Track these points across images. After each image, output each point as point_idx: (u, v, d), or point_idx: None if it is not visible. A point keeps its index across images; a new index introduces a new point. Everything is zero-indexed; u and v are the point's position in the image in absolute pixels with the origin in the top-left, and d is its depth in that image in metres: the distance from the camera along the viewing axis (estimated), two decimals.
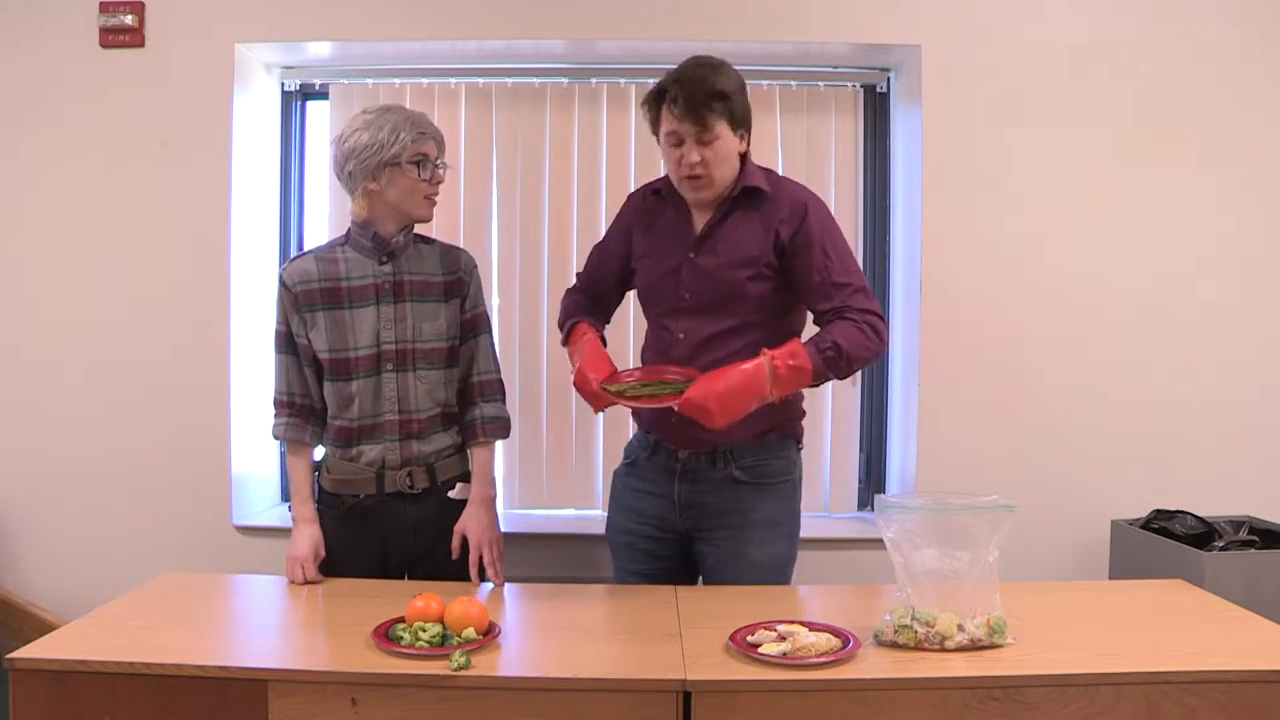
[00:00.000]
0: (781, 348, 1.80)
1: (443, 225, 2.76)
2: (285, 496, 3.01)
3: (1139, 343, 2.70)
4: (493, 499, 2.05)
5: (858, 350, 1.82)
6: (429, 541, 2.01)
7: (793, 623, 1.56)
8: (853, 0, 2.69)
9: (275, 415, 2.05)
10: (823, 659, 1.47)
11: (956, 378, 2.70)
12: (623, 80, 2.87)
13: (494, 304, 2.84)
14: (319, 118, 3.02)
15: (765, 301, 1.92)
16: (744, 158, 1.94)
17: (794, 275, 1.90)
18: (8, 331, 2.80)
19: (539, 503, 2.94)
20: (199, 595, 1.87)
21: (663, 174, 2.04)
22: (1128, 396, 2.70)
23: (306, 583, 1.93)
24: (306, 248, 2.54)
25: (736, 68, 1.92)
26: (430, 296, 2.01)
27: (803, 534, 2.11)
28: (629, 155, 2.88)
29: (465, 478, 2.06)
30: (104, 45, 2.72)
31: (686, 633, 1.62)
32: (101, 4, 2.70)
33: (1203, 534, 2.44)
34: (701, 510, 1.98)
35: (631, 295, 2.18)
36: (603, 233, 2.83)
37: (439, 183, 2.01)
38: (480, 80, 2.88)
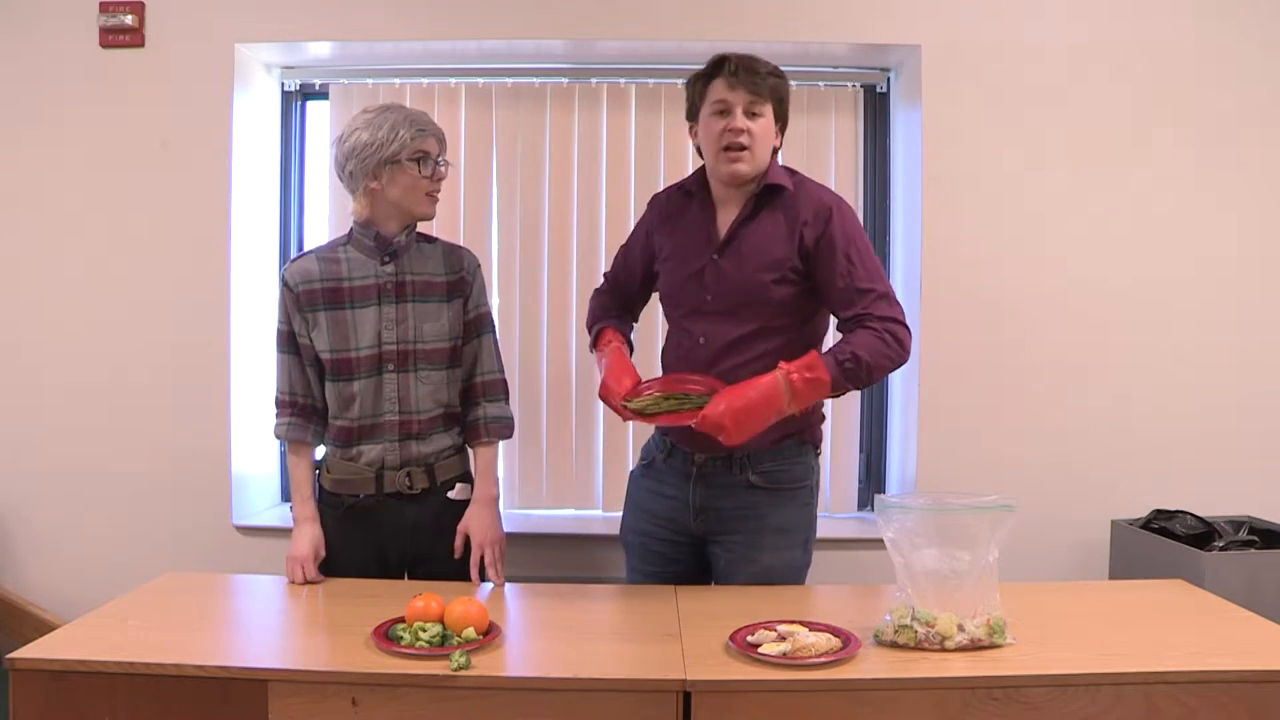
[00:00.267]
0: (797, 360, 1.77)
1: (443, 225, 2.76)
2: (285, 496, 3.01)
3: (1139, 343, 2.70)
4: (496, 499, 2.05)
5: (878, 360, 1.80)
6: (428, 542, 2.01)
7: (793, 623, 1.56)
8: (853, 0, 2.69)
9: (277, 415, 2.05)
10: (823, 659, 1.46)
11: (956, 378, 2.70)
12: (623, 80, 2.87)
13: (494, 304, 2.83)
14: (319, 118, 3.02)
15: (789, 306, 1.90)
16: (773, 154, 1.94)
17: (817, 280, 1.88)
18: (8, 331, 2.80)
19: (539, 503, 2.94)
20: (199, 595, 1.87)
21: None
22: (1128, 396, 2.71)
23: (306, 583, 1.93)
24: (307, 248, 2.54)
25: None
26: (432, 296, 2.01)
27: None
28: (629, 155, 2.88)
29: (465, 478, 2.06)
30: (104, 45, 2.72)
31: (686, 633, 1.62)
32: (101, 4, 2.71)
33: (1203, 534, 2.44)
34: (717, 515, 1.96)
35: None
36: (603, 232, 2.87)
37: (441, 179, 2.01)
38: (480, 80, 2.88)
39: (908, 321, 1.86)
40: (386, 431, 1.99)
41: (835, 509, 2.92)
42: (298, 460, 2.05)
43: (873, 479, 2.99)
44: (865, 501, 2.95)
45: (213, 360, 2.75)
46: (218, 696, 1.46)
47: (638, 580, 2.07)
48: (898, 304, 1.87)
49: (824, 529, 2.77)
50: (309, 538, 1.98)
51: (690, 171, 2.15)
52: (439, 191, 2.02)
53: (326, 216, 2.91)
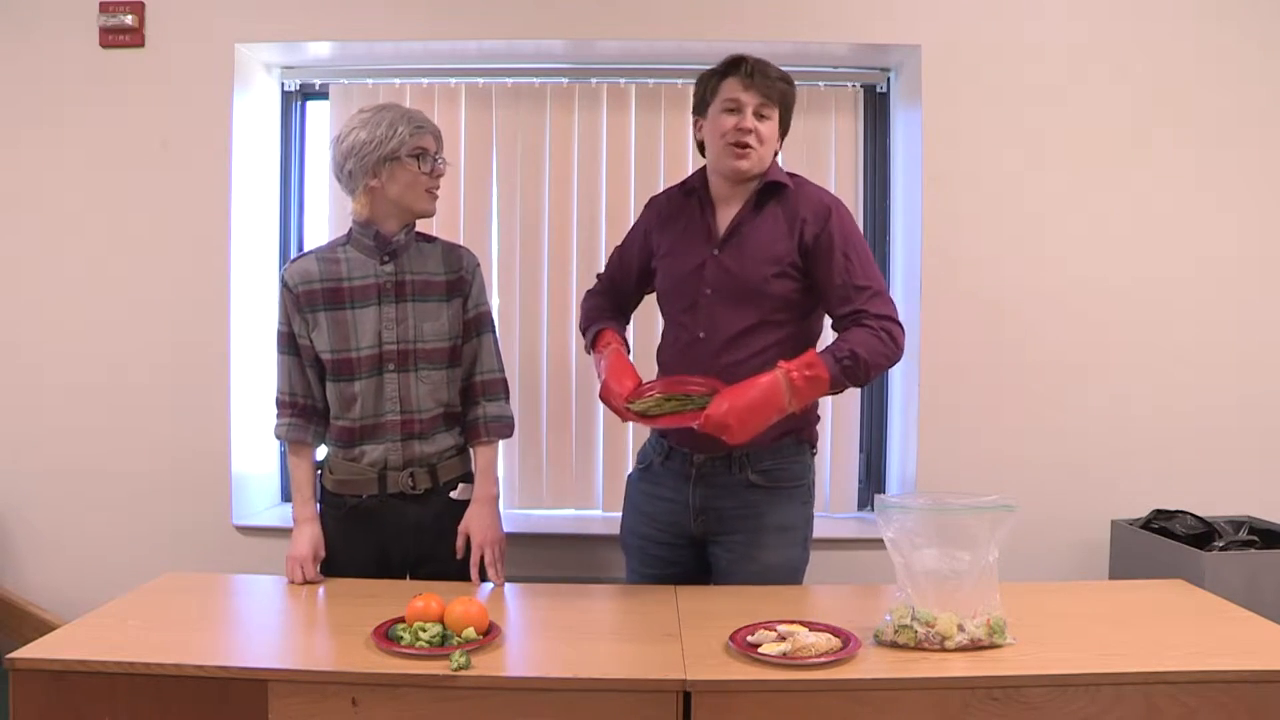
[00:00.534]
0: (797, 359, 1.79)
1: (443, 225, 2.76)
2: (285, 496, 3.01)
3: (1139, 342, 2.71)
4: (496, 498, 2.05)
5: (875, 358, 1.82)
6: (430, 542, 2.01)
7: (793, 623, 1.56)
8: (853, 0, 2.69)
9: (277, 415, 2.05)
10: (823, 659, 1.46)
11: (956, 378, 2.70)
12: (623, 80, 2.87)
13: (494, 304, 2.83)
14: (319, 118, 3.02)
15: (788, 301, 1.91)
16: (774, 156, 1.99)
17: (815, 277, 1.91)
18: (8, 331, 2.80)
19: (539, 503, 2.94)
20: (199, 595, 1.87)
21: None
22: (1128, 396, 2.71)
23: (306, 583, 1.93)
24: (306, 248, 2.54)
25: None
26: (432, 296, 2.01)
27: None
28: (629, 155, 2.88)
29: (467, 478, 2.06)
30: (104, 45, 2.72)
31: (686, 633, 1.62)
32: (101, 4, 2.71)
33: (1203, 534, 2.44)
34: (717, 515, 1.97)
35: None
36: (603, 232, 2.87)
37: (439, 176, 2.01)
38: (480, 80, 2.88)
39: (902, 321, 1.88)
40: (388, 431, 1.99)
41: (835, 509, 2.92)
42: (298, 461, 2.05)
43: (873, 479, 2.99)
44: (865, 501, 2.95)
45: (213, 360, 2.75)
46: (218, 696, 1.46)
47: (638, 581, 2.07)
48: (892, 302, 1.91)
49: (824, 529, 2.77)
50: (309, 538, 1.98)
51: (689, 171, 2.17)
52: (438, 188, 2.02)
53: (326, 216, 2.91)
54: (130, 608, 1.74)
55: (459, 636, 1.54)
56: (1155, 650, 1.54)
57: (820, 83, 2.87)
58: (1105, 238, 2.69)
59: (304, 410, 2.03)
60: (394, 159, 1.93)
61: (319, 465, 2.08)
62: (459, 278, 2.04)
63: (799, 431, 1.99)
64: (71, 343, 2.78)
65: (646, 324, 2.45)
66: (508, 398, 2.11)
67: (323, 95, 2.97)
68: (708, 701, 1.43)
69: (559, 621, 1.74)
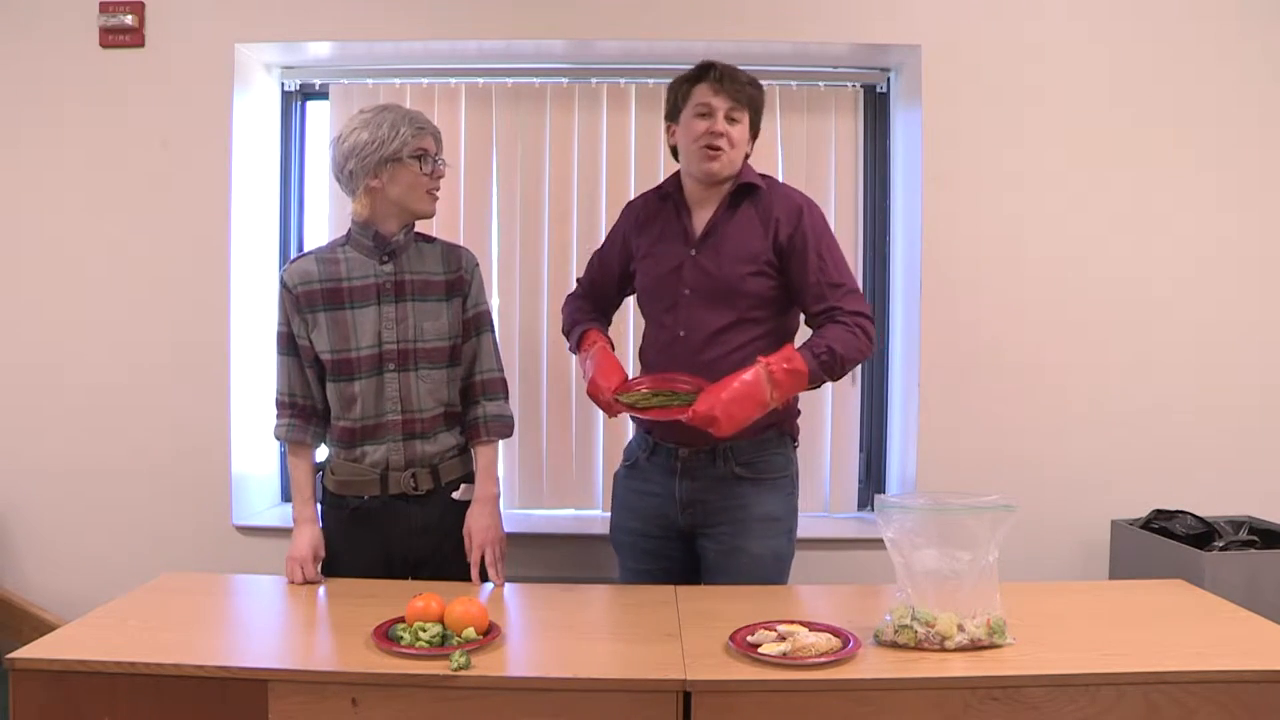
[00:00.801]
0: (776, 354, 1.86)
1: (443, 225, 2.76)
2: (285, 496, 3.01)
3: (1139, 342, 2.70)
4: (496, 498, 2.05)
5: (850, 353, 1.90)
6: (433, 544, 2.01)
7: (793, 623, 1.56)
8: (853, 0, 2.69)
9: (277, 416, 2.05)
10: (823, 659, 1.47)
11: (956, 378, 2.70)
12: (623, 80, 2.87)
13: (494, 304, 2.84)
14: (319, 118, 3.02)
15: (764, 298, 1.97)
16: (745, 159, 2.05)
17: (790, 276, 1.97)
18: (8, 331, 2.80)
19: (539, 503, 2.94)
20: (199, 595, 1.86)
21: (662, 180, 2.11)
22: (1128, 396, 2.71)
23: (306, 583, 1.93)
24: (306, 248, 2.54)
25: (737, 67, 2.02)
26: (431, 295, 2.01)
27: (803, 534, 2.13)
28: (629, 155, 2.88)
29: (469, 479, 2.06)
30: (104, 45, 2.72)
31: (686, 633, 1.62)
32: (101, 4, 2.70)
33: (1203, 534, 2.44)
34: (703, 507, 2.01)
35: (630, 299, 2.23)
36: (603, 232, 2.86)
37: (440, 177, 2.02)
38: (480, 80, 2.88)
39: (872, 316, 1.96)
40: (390, 431, 1.99)
41: (835, 509, 2.92)
42: (298, 461, 2.05)
43: (873, 479, 2.99)
44: (865, 501, 2.95)
45: (213, 360, 2.75)
46: (218, 696, 1.46)
47: (630, 578, 2.10)
48: (864, 299, 1.99)
49: (824, 529, 2.79)
50: (308, 538, 1.98)
51: None
52: (439, 190, 2.03)
53: (326, 216, 2.90)
54: (130, 608, 1.74)
55: (459, 636, 1.54)
56: (1155, 650, 1.54)
57: (820, 83, 2.87)
58: (1105, 237, 2.69)
59: (304, 411, 2.03)
60: (395, 160, 1.93)
61: (320, 466, 2.08)
62: (458, 277, 2.05)
63: (780, 424, 2.04)
64: (71, 343, 2.78)
65: (630, 325, 2.48)
66: (507, 397, 2.12)
67: (323, 95, 2.96)
68: (708, 701, 1.43)
69: (559, 621, 1.74)
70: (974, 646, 1.53)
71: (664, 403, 1.88)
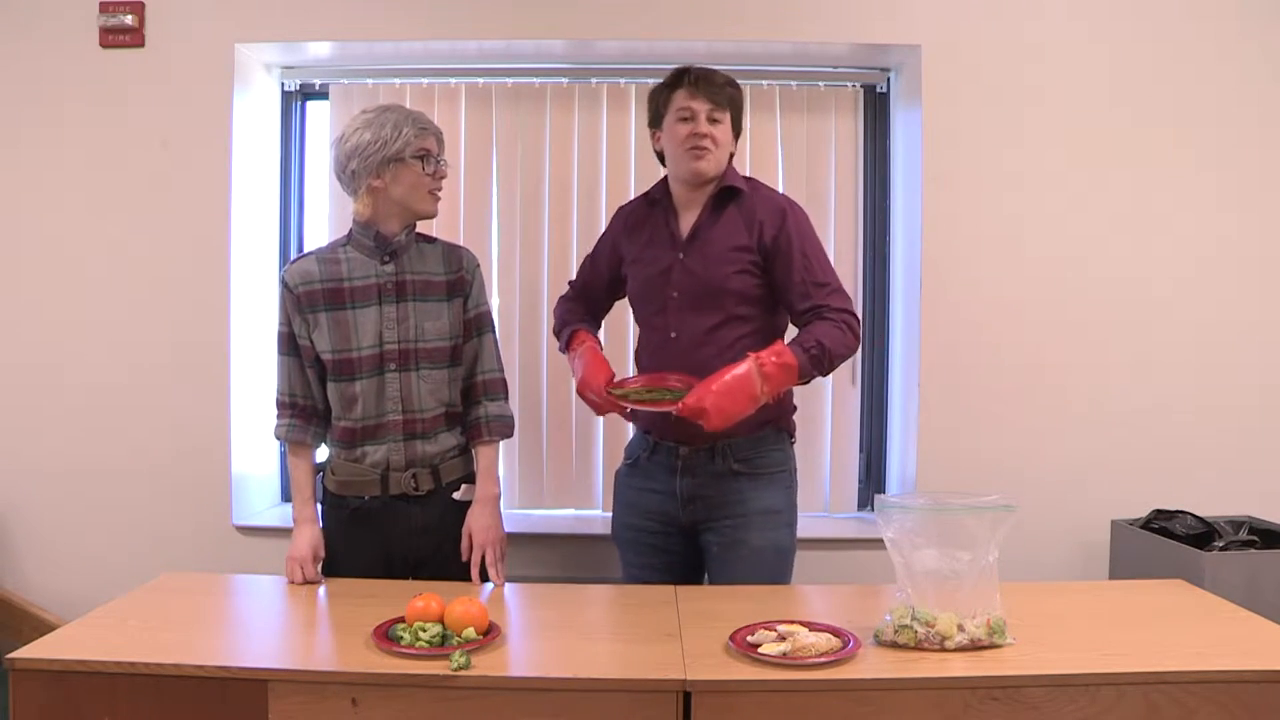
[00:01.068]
0: (767, 349, 1.89)
1: (443, 225, 2.76)
2: (285, 496, 3.01)
3: (1139, 342, 2.70)
4: (497, 498, 2.05)
5: (838, 348, 1.92)
6: (433, 544, 2.01)
7: (793, 623, 1.56)
8: (853, 0, 2.69)
9: (277, 416, 2.05)
10: (823, 659, 1.47)
11: (956, 378, 2.70)
12: (623, 80, 2.87)
13: (494, 304, 2.84)
14: (319, 118, 3.01)
15: (750, 297, 2.01)
16: (730, 159, 2.09)
17: (775, 275, 2.00)
18: (8, 331, 2.80)
19: (539, 503, 2.94)
20: (199, 595, 1.87)
21: (656, 182, 2.15)
22: (1128, 396, 2.70)
23: (306, 583, 1.93)
24: (306, 248, 2.54)
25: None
26: (432, 296, 2.01)
27: (803, 534, 2.14)
28: (629, 155, 2.88)
29: (470, 479, 2.06)
30: (104, 45, 2.72)
31: (686, 633, 1.62)
32: (101, 4, 2.70)
33: (1203, 534, 2.44)
34: (704, 502, 2.04)
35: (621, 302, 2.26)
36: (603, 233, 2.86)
37: (442, 178, 2.02)
38: (480, 80, 2.88)
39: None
40: (390, 431, 1.99)
41: (835, 509, 2.92)
42: (298, 461, 2.05)
43: (873, 479, 2.99)
44: (865, 501, 2.95)
45: (213, 360, 2.75)
46: (217, 696, 1.46)
47: (632, 574, 2.13)
48: (849, 298, 2.02)
49: (824, 529, 2.79)
50: (308, 538, 1.98)
51: None
52: (441, 190, 2.03)
53: (326, 216, 2.90)
54: (130, 608, 1.74)
55: (459, 636, 1.54)
56: (1155, 650, 1.54)
57: (820, 83, 2.87)
58: (1105, 237, 2.69)
59: (304, 411, 2.03)
60: (398, 160, 1.93)
61: (320, 467, 2.08)
62: (459, 277, 2.05)
63: (777, 421, 2.07)
64: (71, 343, 2.78)
65: (622, 327, 2.53)
66: (508, 397, 2.12)
67: (323, 95, 2.96)
68: (708, 701, 1.43)
69: (559, 621, 1.74)
70: (974, 646, 1.53)
71: (655, 397, 1.91)
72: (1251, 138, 2.69)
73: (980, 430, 2.71)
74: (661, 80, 2.08)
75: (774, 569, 2.03)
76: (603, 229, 2.84)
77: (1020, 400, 2.71)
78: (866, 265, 2.92)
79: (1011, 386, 2.71)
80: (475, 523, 2.00)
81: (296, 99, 3.01)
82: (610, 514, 2.23)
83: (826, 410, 2.89)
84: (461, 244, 2.16)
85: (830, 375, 2.03)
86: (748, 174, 2.17)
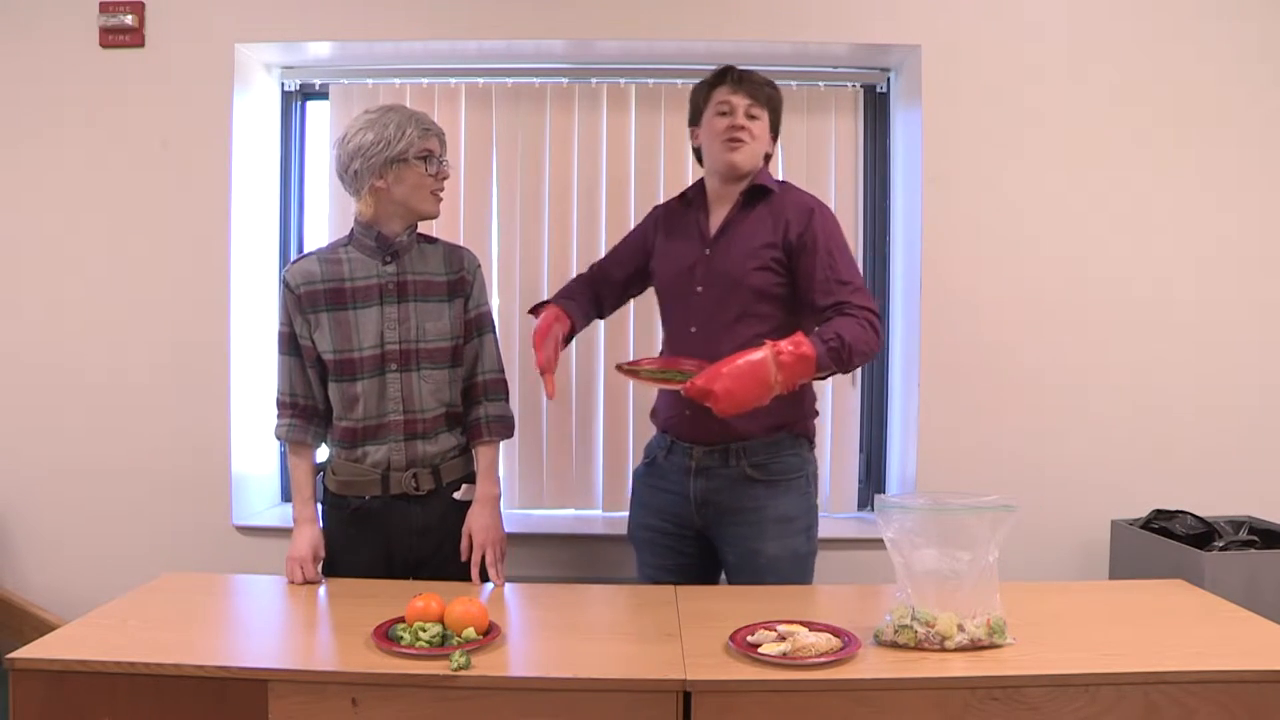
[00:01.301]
0: (785, 339, 1.82)
1: (443, 225, 2.75)
2: (285, 496, 3.01)
3: (1139, 342, 2.70)
4: (497, 498, 2.05)
5: (859, 344, 1.85)
6: (434, 544, 2.01)
7: (793, 623, 1.56)
8: (853, 0, 2.69)
9: (278, 416, 2.05)
10: (823, 659, 1.47)
11: (956, 378, 2.70)
12: (623, 80, 2.87)
13: (494, 304, 2.83)
14: (319, 118, 3.01)
15: (772, 294, 1.99)
16: (765, 161, 2.10)
17: (799, 273, 1.98)
18: (7, 332, 2.80)
19: (539, 503, 2.94)
20: (199, 595, 1.86)
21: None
22: (1128, 396, 2.70)
23: (306, 583, 1.93)
24: (306, 248, 2.54)
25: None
26: (434, 296, 2.01)
27: None
28: (629, 155, 2.88)
29: (470, 479, 2.06)
30: (104, 45, 2.72)
31: (686, 633, 1.62)
32: (101, 4, 2.71)
33: (1203, 534, 2.44)
34: (716, 508, 2.02)
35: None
36: (603, 232, 2.89)
37: (445, 178, 2.02)
38: (480, 80, 2.88)
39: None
40: (391, 432, 1.99)
41: (835, 509, 2.92)
42: (298, 461, 2.05)
43: (873, 479, 2.99)
44: (865, 501, 2.95)
45: (213, 360, 2.75)
46: (217, 696, 1.46)
47: (648, 575, 2.12)
48: (873, 299, 1.98)
49: (824, 529, 2.76)
50: (308, 538, 1.98)
51: (689, 170, 2.24)
52: (443, 191, 2.03)
53: (326, 217, 2.90)
54: (130, 608, 1.74)
55: (459, 636, 1.54)
56: (1155, 650, 1.54)
57: (820, 83, 2.87)
58: (1105, 237, 2.69)
59: (304, 411, 2.03)
60: (401, 160, 1.93)
61: (321, 467, 2.08)
62: (460, 278, 2.05)
63: (793, 425, 2.04)
64: (71, 343, 2.78)
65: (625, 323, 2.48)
66: (508, 398, 2.12)
67: (323, 95, 2.96)
68: (708, 701, 1.43)
69: (559, 621, 1.74)
70: (974, 646, 1.53)
71: (666, 377, 1.89)
72: (1252, 137, 2.69)
73: (980, 430, 2.71)
74: (702, 79, 2.10)
75: (792, 576, 2.01)
76: (603, 229, 2.88)
77: (1020, 400, 2.71)
78: (866, 265, 2.92)
79: (1011, 386, 2.71)
80: (475, 523, 2.00)
81: (296, 99, 3.01)
82: (611, 514, 2.24)
83: (827, 410, 2.89)
84: (462, 244, 2.16)
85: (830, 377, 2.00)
86: None
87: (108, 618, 1.69)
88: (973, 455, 2.69)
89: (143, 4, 2.71)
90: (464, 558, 1.98)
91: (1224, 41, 2.67)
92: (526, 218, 2.90)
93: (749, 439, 1.98)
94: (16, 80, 2.75)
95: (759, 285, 1.98)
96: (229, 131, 2.73)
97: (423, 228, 2.09)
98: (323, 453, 2.11)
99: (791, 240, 1.97)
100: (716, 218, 2.07)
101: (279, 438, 2.05)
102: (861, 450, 2.97)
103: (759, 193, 2.04)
